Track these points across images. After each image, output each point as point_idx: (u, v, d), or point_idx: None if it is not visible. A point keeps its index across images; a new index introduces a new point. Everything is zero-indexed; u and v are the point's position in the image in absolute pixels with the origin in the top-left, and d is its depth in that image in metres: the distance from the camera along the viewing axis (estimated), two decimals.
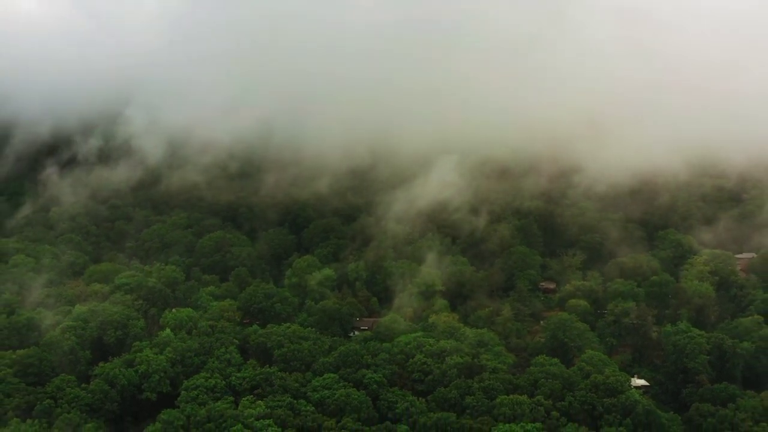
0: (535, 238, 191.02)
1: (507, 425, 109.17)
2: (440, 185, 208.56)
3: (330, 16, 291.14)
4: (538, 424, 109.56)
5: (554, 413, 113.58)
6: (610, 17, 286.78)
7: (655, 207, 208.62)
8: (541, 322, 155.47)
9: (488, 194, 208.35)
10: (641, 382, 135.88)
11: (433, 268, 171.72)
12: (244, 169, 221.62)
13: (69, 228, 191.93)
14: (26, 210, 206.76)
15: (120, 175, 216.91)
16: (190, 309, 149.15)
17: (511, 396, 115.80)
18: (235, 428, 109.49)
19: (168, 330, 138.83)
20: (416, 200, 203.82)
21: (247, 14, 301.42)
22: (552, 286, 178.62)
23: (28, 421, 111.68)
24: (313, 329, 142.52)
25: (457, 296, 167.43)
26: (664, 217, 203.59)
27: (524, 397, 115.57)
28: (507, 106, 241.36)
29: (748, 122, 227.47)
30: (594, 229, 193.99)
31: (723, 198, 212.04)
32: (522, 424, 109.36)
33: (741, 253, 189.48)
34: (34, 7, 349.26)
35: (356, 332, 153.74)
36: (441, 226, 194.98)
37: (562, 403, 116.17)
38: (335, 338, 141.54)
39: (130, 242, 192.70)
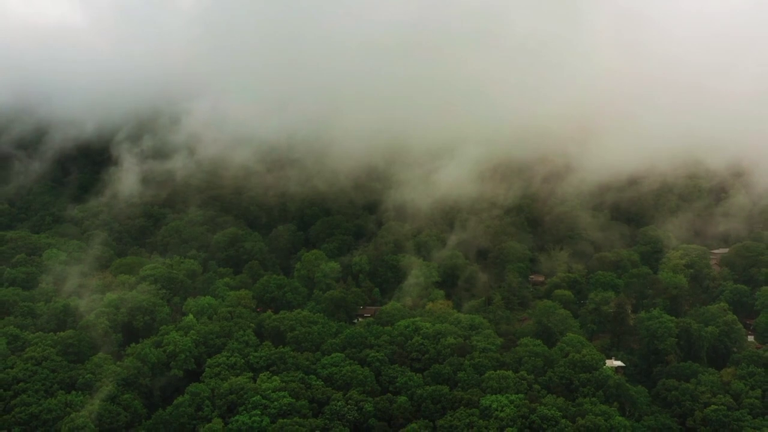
0: (525, 233, 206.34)
1: (494, 396, 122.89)
2: (440, 184, 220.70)
3: (346, 16, 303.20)
4: (521, 395, 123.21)
5: (536, 386, 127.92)
6: (611, 22, 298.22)
7: (640, 205, 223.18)
8: (528, 310, 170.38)
9: (485, 192, 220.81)
10: (618, 363, 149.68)
11: (431, 261, 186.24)
12: (260, 169, 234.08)
13: (94, 225, 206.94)
14: (54, 207, 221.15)
15: (144, 175, 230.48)
16: (209, 297, 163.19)
17: (498, 371, 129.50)
18: (254, 399, 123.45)
19: (191, 315, 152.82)
20: (417, 198, 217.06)
21: (272, 16, 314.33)
22: (541, 278, 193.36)
23: (73, 392, 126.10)
24: (322, 315, 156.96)
25: (453, 287, 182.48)
26: (646, 214, 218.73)
27: (510, 372, 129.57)
28: (508, 106, 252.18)
29: (734, 124, 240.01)
30: (581, 225, 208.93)
31: (703, 196, 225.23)
32: (507, 395, 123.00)
33: (718, 248, 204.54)
34: (74, 11, 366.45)
35: (360, 319, 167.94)
36: (439, 222, 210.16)
37: (543, 377, 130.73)
38: (341, 323, 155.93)
39: (150, 238, 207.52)
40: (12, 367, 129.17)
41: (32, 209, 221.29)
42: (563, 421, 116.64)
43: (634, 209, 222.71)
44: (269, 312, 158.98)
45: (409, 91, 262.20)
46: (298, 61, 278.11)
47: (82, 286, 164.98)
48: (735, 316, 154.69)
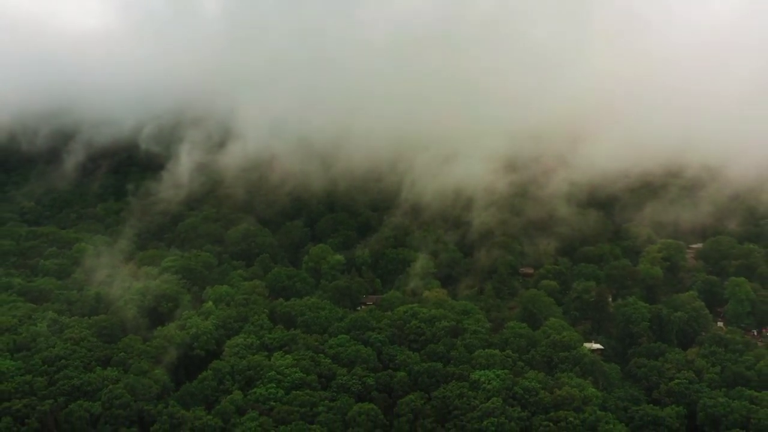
0: (518, 228, 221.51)
1: (482, 371, 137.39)
2: (440, 181, 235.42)
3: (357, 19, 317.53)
4: (506, 371, 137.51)
5: (519, 363, 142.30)
6: (609, 26, 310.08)
7: (626, 201, 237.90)
8: (517, 298, 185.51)
9: (482, 189, 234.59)
10: (597, 346, 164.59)
11: (428, 255, 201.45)
12: (274, 168, 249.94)
13: (116, 221, 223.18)
14: (78, 206, 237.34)
15: (163, 175, 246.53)
16: (226, 286, 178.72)
17: (486, 350, 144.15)
18: (269, 374, 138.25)
19: (210, 302, 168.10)
20: (418, 195, 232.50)
21: (293, 20, 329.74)
22: (530, 270, 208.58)
23: (108, 368, 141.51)
24: (328, 302, 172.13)
25: (448, 278, 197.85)
26: (632, 210, 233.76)
27: (497, 351, 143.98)
28: (510, 106, 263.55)
29: (721, 124, 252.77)
30: (570, 221, 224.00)
31: (686, 194, 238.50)
32: (494, 370, 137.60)
33: (696, 242, 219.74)
34: (106, 17, 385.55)
35: (363, 307, 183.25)
36: (437, 217, 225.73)
37: (527, 355, 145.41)
38: (346, 310, 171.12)
39: (168, 233, 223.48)
40: (54, 347, 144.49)
41: (57, 207, 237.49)
42: (542, 392, 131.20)
43: (622, 205, 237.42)
44: (281, 299, 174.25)
45: (414, 91, 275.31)
46: (319, 67, 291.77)
47: (111, 276, 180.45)
48: (702, 303, 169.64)
